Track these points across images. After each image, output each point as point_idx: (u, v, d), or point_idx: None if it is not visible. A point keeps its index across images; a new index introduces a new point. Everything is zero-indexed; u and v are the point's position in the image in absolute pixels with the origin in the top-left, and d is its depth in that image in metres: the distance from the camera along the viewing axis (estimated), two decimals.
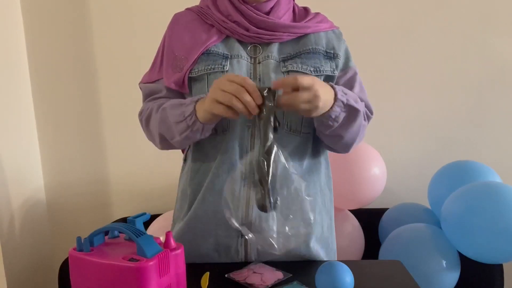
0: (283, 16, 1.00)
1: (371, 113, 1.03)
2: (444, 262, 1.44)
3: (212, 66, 0.95)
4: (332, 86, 0.88)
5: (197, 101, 0.89)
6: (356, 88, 1.01)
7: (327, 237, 1.05)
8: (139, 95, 1.09)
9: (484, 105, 1.97)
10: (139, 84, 1.08)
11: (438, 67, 1.96)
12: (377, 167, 1.66)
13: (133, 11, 1.96)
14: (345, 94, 0.89)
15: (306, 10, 1.06)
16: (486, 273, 1.57)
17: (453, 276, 1.47)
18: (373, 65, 1.93)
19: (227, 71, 0.94)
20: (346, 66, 1.03)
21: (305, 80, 0.80)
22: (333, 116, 0.88)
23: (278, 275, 0.90)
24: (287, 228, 0.83)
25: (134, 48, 1.95)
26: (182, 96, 1.02)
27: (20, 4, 1.94)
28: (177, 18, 1.05)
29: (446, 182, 1.61)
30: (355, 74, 1.03)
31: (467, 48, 1.94)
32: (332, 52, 1.00)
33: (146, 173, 2.07)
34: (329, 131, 0.92)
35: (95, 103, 2.02)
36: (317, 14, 1.05)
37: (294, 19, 1.03)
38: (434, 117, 1.99)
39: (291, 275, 0.90)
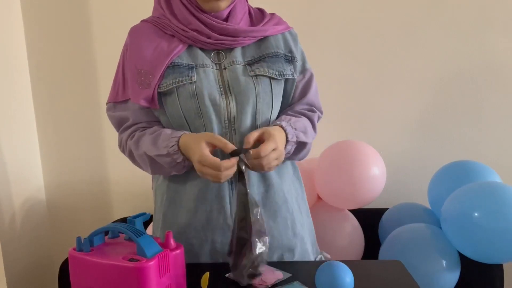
0: (241, 21, 1.01)
1: (321, 113, 1.11)
2: (444, 262, 1.44)
3: (180, 79, 0.96)
4: (282, 128, 0.95)
5: (178, 147, 0.93)
6: (312, 91, 1.07)
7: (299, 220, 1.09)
8: None
9: (484, 105, 1.97)
10: (106, 111, 1.09)
11: (438, 66, 1.95)
12: (377, 167, 1.66)
13: (133, 12, 1.95)
14: (295, 129, 0.97)
15: (261, 11, 1.08)
16: (486, 273, 1.57)
17: (453, 276, 1.46)
18: (373, 64, 1.93)
19: (195, 81, 0.95)
20: (304, 69, 1.07)
21: (269, 146, 0.88)
22: (285, 153, 0.97)
23: (278, 275, 0.90)
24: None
25: None
26: (151, 113, 1.02)
27: (20, 4, 1.94)
28: (134, 31, 1.05)
29: (446, 182, 1.61)
30: (311, 76, 1.08)
31: (467, 48, 1.94)
32: (290, 55, 1.03)
33: (146, 173, 2.06)
34: None
35: (95, 103, 2.02)
36: (272, 15, 1.07)
37: (251, 21, 1.04)
38: (434, 117, 1.99)
39: (291, 275, 0.90)
